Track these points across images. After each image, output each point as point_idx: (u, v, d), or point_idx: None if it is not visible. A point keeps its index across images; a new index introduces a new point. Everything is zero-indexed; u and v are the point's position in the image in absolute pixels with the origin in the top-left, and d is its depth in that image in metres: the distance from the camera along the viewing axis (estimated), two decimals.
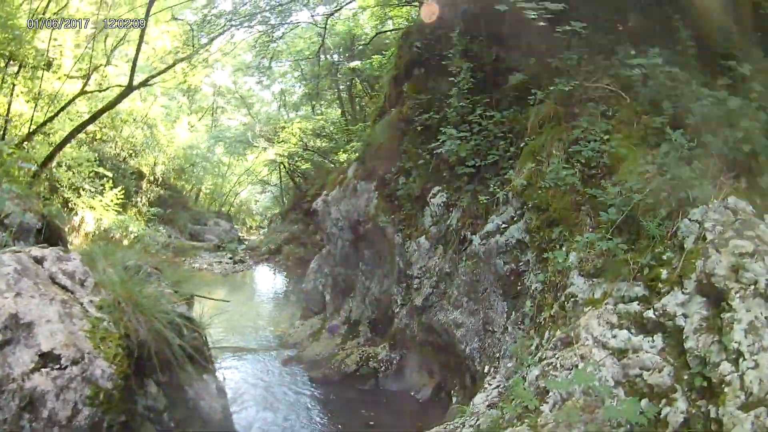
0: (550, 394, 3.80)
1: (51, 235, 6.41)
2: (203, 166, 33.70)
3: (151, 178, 27.46)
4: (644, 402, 3.31)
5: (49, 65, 16.83)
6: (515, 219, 6.52)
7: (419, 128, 8.89)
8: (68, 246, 9.42)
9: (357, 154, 12.05)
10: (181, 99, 30.11)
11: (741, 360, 2.94)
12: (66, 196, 18.12)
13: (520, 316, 6.18)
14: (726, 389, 2.89)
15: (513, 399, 4.15)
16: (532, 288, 5.83)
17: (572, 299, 4.40)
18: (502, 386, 5.47)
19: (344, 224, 10.59)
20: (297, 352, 10.43)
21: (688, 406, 3.08)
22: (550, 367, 4.01)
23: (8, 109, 15.28)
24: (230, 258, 23.08)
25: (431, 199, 8.35)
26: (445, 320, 7.50)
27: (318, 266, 11.95)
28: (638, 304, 3.80)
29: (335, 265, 11.01)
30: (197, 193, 36.88)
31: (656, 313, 3.62)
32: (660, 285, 3.76)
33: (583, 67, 6.40)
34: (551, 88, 6.16)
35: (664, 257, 3.91)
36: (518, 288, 6.41)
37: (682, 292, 3.58)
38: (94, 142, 23.06)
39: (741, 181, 4.17)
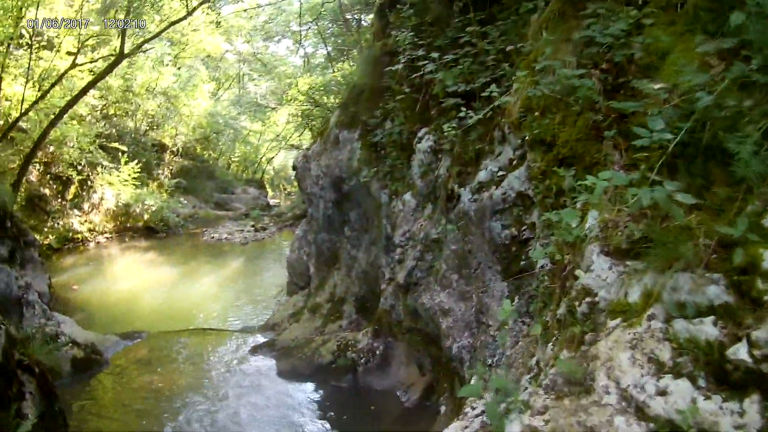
0: None
1: None
2: (229, 134, 32.46)
3: (174, 150, 26.77)
4: None
5: (51, 45, 16.03)
6: (515, 163, 4.55)
7: (404, 61, 6.97)
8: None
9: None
10: (200, 68, 29.01)
11: None
12: (79, 175, 17.65)
13: (524, 305, 4.29)
14: None
15: None
16: (539, 265, 3.89)
17: (587, 298, 2.41)
18: None
19: (325, 182, 8.75)
20: (274, 336, 8.77)
21: None
22: None
23: None
24: (252, 226, 21.64)
25: (417, 145, 6.45)
26: (430, 304, 5.65)
27: (303, 233, 10.14)
28: (716, 326, 1.78)
29: (318, 230, 9.16)
30: (228, 162, 35.92)
31: (755, 350, 1.63)
32: (764, 283, 1.75)
33: None
34: None
35: None
36: (522, 263, 4.47)
37: None
38: (113, 118, 22.59)
39: None
